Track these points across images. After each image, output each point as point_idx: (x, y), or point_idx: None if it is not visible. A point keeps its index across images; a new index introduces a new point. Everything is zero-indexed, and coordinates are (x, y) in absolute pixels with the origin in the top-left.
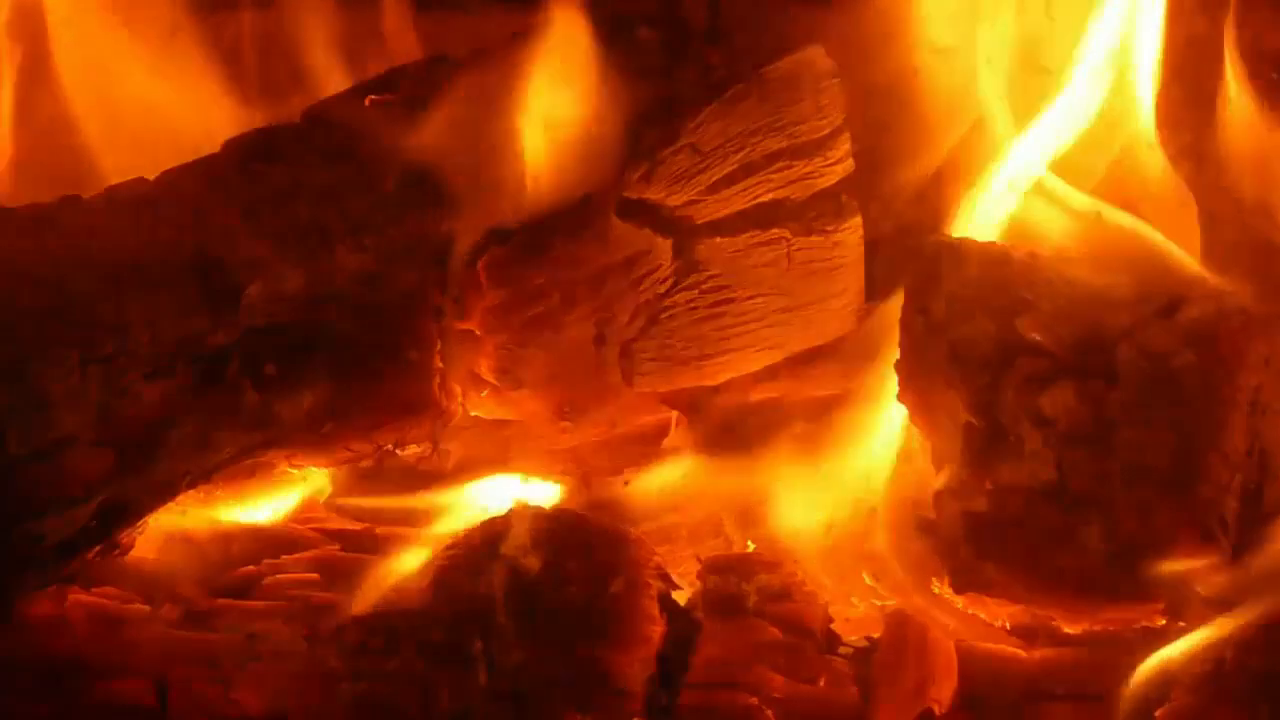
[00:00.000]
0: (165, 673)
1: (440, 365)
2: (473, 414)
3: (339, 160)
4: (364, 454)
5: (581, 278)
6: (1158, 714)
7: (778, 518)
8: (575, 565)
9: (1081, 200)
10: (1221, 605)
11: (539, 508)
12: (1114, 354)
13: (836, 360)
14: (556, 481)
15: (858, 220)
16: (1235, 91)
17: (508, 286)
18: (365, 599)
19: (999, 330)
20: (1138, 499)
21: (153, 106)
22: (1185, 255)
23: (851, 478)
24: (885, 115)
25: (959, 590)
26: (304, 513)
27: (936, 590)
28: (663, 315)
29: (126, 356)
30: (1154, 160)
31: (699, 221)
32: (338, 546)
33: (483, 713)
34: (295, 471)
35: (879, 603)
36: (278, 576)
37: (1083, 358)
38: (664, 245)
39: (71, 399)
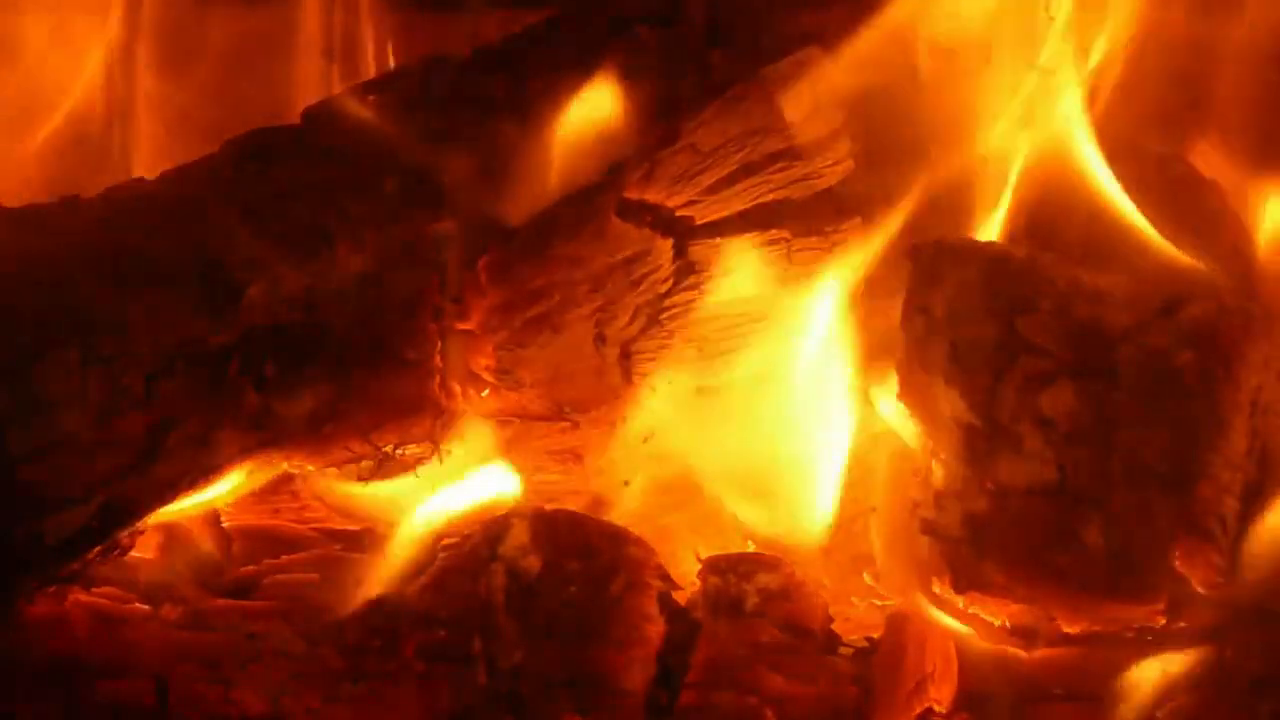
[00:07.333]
0: (165, 673)
1: (440, 365)
2: (472, 414)
3: (339, 160)
4: (364, 454)
5: (581, 278)
6: (1158, 714)
7: (778, 517)
8: (575, 565)
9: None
10: (1221, 605)
11: (539, 508)
12: (1114, 354)
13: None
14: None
15: (858, 220)
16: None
17: (508, 286)
18: (365, 599)
19: (999, 330)
20: (1138, 499)
21: None
22: (1185, 255)
23: (851, 478)
24: (885, 115)
25: (959, 590)
26: (304, 512)
27: (936, 590)
28: (663, 315)
29: (127, 357)
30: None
31: (699, 222)
32: (338, 546)
33: (483, 713)
34: (295, 471)
35: (879, 603)
36: (278, 576)
37: (1083, 358)
38: (664, 245)
39: (71, 399)
